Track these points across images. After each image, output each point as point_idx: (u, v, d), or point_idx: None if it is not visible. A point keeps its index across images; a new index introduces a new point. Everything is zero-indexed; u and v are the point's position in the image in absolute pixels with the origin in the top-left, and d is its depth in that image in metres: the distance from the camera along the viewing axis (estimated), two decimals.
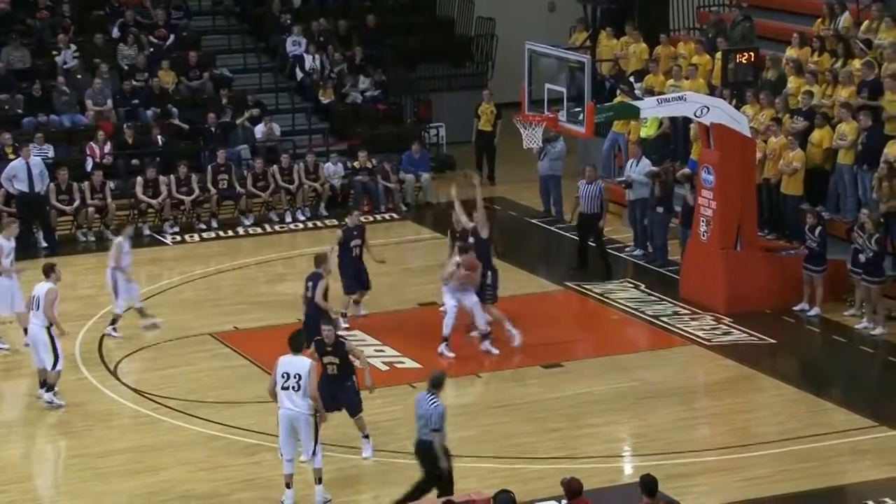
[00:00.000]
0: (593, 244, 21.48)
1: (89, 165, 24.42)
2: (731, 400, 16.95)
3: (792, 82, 22.38)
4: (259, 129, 26.05)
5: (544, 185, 24.53)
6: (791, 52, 23.02)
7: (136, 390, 17.22)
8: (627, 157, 23.31)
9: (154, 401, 16.83)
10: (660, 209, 21.44)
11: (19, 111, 25.61)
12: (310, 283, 17.39)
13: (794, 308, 19.54)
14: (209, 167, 24.53)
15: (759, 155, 20.79)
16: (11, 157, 23.78)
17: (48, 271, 17.06)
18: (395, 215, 24.91)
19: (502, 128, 26.21)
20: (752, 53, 22.13)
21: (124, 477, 15.04)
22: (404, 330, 19.02)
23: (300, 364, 13.92)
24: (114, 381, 17.53)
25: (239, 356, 18.27)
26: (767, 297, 19.55)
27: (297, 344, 14.12)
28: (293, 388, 13.83)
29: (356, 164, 25.38)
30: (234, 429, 15.98)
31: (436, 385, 13.62)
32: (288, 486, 14.02)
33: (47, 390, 16.82)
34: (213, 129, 25.67)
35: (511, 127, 21.41)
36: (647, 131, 23.80)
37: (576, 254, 21.72)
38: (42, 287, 16.83)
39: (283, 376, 13.89)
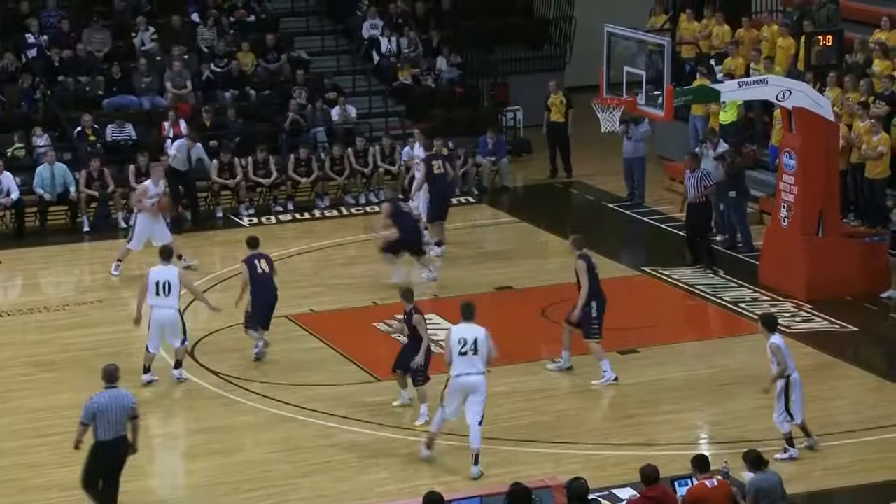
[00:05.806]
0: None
1: (168, 146, 24.53)
2: (814, 388, 16.68)
3: (878, 66, 21.98)
4: (335, 112, 26.07)
5: (628, 167, 24.19)
6: (879, 35, 22.59)
7: (214, 372, 17.31)
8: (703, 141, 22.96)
9: (232, 382, 16.89)
10: (732, 193, 21.10)
11: (100, 93, 25.81)
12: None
13: (882, 295, 19.20)
14: (291, 156, 24.46)
15: (842, 140, 20.46)
16: (91, 138, 24.00)
17: (168, 255, 17.11)
18: (471, 199, 24.83)
19: (573, 117, 25.72)
20: (835, 36, 21.75)
21: (202, 457, 15.15)
22: (480, 313, 18.86)
23: (476, 330, 14.36)
24: (192, 362, 17.62)
25: (315, 339, 18.31)
26: (850, 285, 19.25)
27: (468, 313, 14.52)
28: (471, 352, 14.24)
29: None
30: (310, 411, 16.01)
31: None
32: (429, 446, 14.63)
33: (175, 367, 17.00)
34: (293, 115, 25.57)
35: (588, 111, 21.19)
36: (727, 117, 23.50)
37: (687, 248, 20.86)
38: (170, 272, 16.78)
39: (459, 342, 14.25)
